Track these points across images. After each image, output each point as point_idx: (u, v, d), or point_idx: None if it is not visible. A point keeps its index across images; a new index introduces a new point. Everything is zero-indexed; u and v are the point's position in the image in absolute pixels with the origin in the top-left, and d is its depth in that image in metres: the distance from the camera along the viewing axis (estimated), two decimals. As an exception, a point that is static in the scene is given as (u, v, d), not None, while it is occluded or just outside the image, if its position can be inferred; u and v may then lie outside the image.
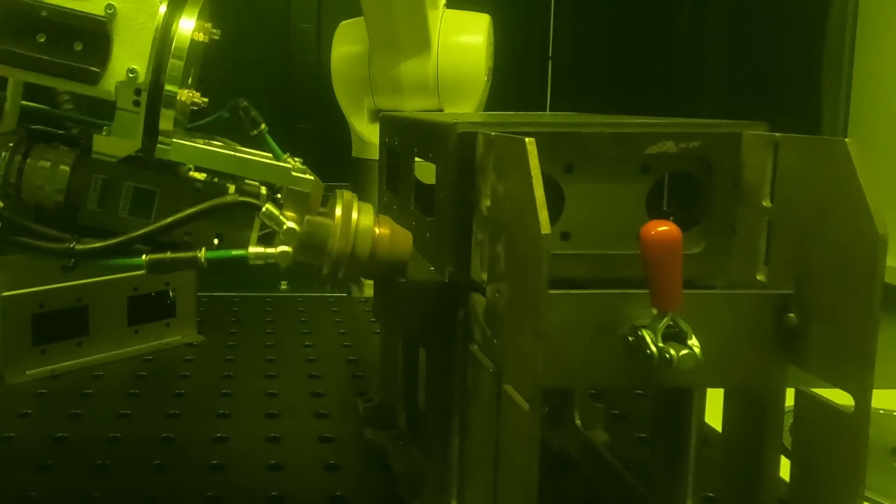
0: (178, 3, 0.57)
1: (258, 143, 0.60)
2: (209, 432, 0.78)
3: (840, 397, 0.42)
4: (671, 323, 0.43)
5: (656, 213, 0.52)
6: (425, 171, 0.60)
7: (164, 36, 0.56)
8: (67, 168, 0.60)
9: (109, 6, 0.55)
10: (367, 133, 1.34)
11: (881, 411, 0.81)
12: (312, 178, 0.58)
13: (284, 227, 0.57)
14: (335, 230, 0.58)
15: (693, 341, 0.43)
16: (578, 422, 0.74)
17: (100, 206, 0.60)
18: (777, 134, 0.48)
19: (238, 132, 0.60)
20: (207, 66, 0.61)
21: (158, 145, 0.57)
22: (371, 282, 0.58)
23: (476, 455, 0.51)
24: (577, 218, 0.51)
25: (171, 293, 1.02)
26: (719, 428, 0.52)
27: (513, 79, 1.45)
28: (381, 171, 0.76)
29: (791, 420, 0.46)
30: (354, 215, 0.58)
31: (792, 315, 0.44)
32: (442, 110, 1.26)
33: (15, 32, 0.55)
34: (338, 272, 0.59)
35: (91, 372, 0.93)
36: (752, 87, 1.32)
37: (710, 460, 0.54)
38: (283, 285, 1.33)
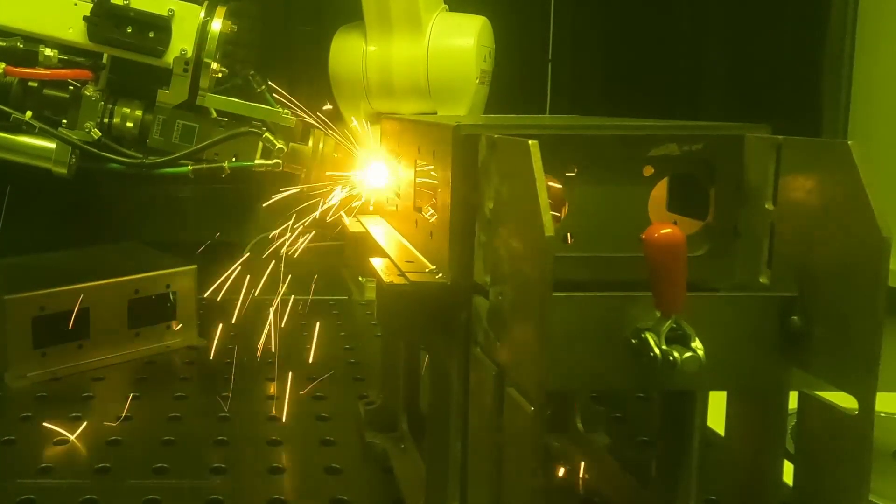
0: (212, 7, 0.92)
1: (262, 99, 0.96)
2: (210, 435, 0.78)
3: (844, 400, 0.42)
4: (675, 325, 0.43)
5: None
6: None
7: (203, 29, 0.90)
8: (140, 112, 0.93)
9: (170, 10, 0.90)
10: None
11: (884, 414, 0.81)
12: (294, 118, 0.94)
13: (277, 146, 0.92)
14: (308, 153, 0.94)
15: (696, 344, 0.43)
16: (580, 425, 0.74)
17: (161, 135, 0.92)
18: (780, 136, 0.47)
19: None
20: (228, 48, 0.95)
21: (198, 96, 0.91)
22: (373, 285, 0.59)
23: (478, 458, 0.50)
24: (580, 220, 0.51)
25: (171, 296, 1.02)
26: (721, 431, 0.51)
27: (513, 81, 1.45)
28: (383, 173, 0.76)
29: (794, 423, 0.46)
30: (321, 146, 0.95)
31: (795, 318, 0.44)
32: (436, 113, 1.26)
33: (113, 26, 0.89)
34: (310, 177, 0.94)
35: (92, 375, 0.93)
36: (752, 88, 1.32)
37: (713, 463, 0.54)
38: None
